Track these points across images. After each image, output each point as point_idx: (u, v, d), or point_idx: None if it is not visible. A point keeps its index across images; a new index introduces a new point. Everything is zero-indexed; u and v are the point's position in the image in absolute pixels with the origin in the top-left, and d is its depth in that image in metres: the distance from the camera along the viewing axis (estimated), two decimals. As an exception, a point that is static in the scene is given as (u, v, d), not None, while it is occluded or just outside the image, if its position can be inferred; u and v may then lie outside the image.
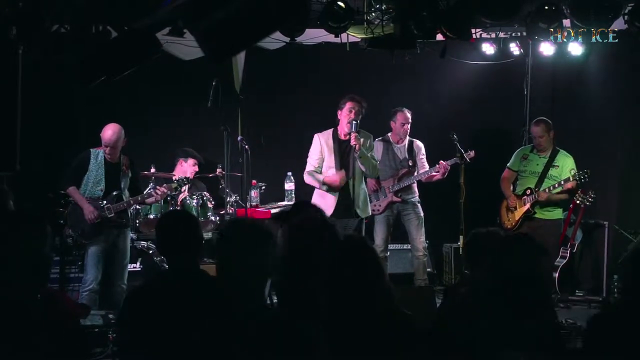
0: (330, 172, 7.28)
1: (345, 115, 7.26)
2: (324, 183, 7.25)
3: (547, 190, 7.35)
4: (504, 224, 7.68)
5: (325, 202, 7.23)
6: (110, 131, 7.01)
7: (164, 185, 7.43)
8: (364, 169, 7.23)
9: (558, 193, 7.44)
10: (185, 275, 3.45)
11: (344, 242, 3.46)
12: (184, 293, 3.36)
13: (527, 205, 7.44)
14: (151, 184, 7.61)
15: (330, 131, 7.41)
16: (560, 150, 7.59)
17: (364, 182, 7.42)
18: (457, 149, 7.88)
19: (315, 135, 7.44)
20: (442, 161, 7.92)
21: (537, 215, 7.46)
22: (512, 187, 7.78)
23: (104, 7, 5.59)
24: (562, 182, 7.38)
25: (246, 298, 3.06)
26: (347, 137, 7.24)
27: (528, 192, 7.45)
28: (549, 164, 7.50)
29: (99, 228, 7.01)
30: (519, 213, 7.49)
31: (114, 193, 7.07)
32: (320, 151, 7.36)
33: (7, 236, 2.93)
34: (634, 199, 8.82)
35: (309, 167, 7.40)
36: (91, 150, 7.11)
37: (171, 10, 5.33)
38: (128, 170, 7.23)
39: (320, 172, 7.34)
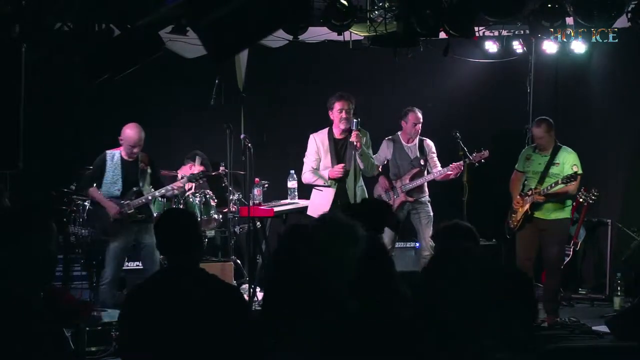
0: (328, 169, 7.31)
1: (336, 115, 7.26)
2: (329, 178, 7.26)
3: (543, 190, 7.29)
4: (509, 223, 7.65)
5: (323, 198, 7.25)
6: (131, 131, 7.11)
7: (181, 179, 7.50)
8: (362, 167, 7.22)
9: (555, 193, 7.34)
10: (185, 273, 3.45)
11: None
12: (184, 291, 3.37)
13: (527, 206, 7.41)
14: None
15: (325, 130, 7.42)
16: (563, 146, 7.49)
17: (361, 180, 7.40)
18: (460, 147, 7.86)
19: (311, 136, 7.45)
20: (454, 162, 7.88)
21: (538, 216, 7.40)
22: (522, 188, 7.68)
23: (107, 5, 5.59)
24: (560, 182, 7.27)
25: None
26: (343, 135, 7.28)
27: (529, 192, 7.42)
28: (550, 163, 7.42)
29: (119, 225, 7.13)
30: (520, 213, 7.46)
31: (134, 189, 7.19)
32: (317, 152, 7.36)
33: (15, 235, 2.93)
34: (637, 196, 8.80)
35: (307, 167, 7.41)
36: (107, 152, 7.24)
37: (174, 8, 5.34)
38: (147, 167, 7.32)
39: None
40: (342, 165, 7.24)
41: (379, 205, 4.68)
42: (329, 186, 7.30)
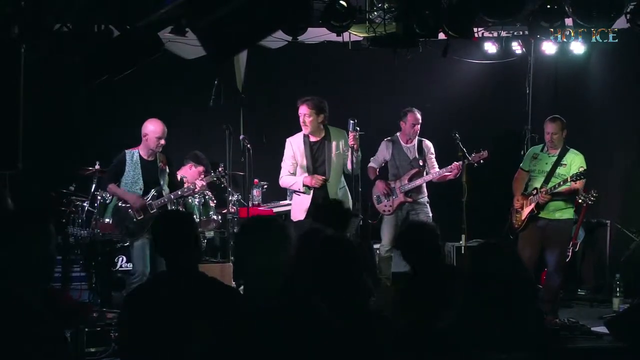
0: (304, 176, 7.26)
1: (300, 119, 7.23)
2: (303, 184, 7.23)
3: (549, 190, 7.27)
4: (513, 223, 7.64)
5: (302, 202, 7.22)
6: (155, 124, 7.03)
7: (203, 178, 7.49)
8: (354, 167, 7.15)
9: (561, 192, 7.32)
10: (184, 274, 3.45)
11: (326, 241, 3.45)
12: (182, 292, 3.37)
13: (532, 206, 7.39)
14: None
15: (301, 134, 7.34)
16: (570, 149, 7.46)
17: (343, 182, 7.38)
18: (459, 147, 7.85)
19: (287, 140, 7.39)
20: (455, 162, 7.87)
21: (542, 215, 7.39)
22: (525, 187, 7.65)
23: (107, 6, 5.60)
24: (567, 180, 7.25)
25: (258, 295, 3.09)
26: (318, 138, 7.25)
27: (534, 192, 7.40)
28: (557, 163, 7.41)
29: (143, 225, 7.02)
30: (524, 213, 7.45)
31: (154, 189, 7.12)
32: (293, 156, 7.31)
33: (12, 236, 2.94)
34: (636, 197, 8.81)
35: (284, 172, 7.37)
36: (126, 151, 7.12)
37: (174, 8, 5.35)
38: (166, 167, 7.26)
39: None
40: (323, 178, 7.21)
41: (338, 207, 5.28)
42: (304, 192, 7.28)
